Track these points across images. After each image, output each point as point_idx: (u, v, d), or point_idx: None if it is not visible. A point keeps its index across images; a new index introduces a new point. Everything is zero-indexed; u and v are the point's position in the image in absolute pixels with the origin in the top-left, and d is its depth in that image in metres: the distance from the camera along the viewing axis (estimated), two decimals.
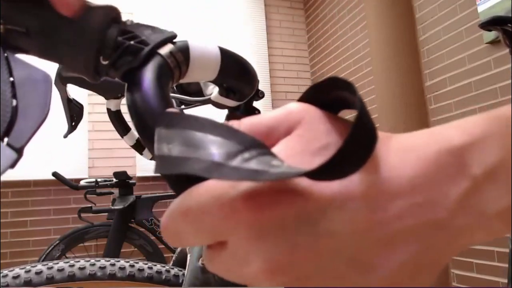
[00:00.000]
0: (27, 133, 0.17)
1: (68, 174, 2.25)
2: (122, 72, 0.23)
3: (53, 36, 0.22)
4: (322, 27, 3.38)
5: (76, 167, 2.75)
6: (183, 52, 0.25)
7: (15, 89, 0.18)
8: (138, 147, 0.73)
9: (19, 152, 0.17)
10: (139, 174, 2.86)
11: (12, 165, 0.16)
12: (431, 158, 0.17)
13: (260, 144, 0.17)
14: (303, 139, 0.18)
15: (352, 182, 0.16)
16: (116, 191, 2.18)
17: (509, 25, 0.94)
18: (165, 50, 0.24)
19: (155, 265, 0.73)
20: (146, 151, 0.72)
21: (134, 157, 2.86)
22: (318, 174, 0.15)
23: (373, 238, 0.16)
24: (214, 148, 0.17)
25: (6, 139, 0.17)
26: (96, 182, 2.13)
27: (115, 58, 0.23)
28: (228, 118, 0.72)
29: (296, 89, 3.47)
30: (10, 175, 2.41)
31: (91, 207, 2.11)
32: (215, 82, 0.31)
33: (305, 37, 3.62)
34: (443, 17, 2.20)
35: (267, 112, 0.20)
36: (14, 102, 0.17)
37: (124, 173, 2.18)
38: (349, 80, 0.18)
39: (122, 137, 0.73)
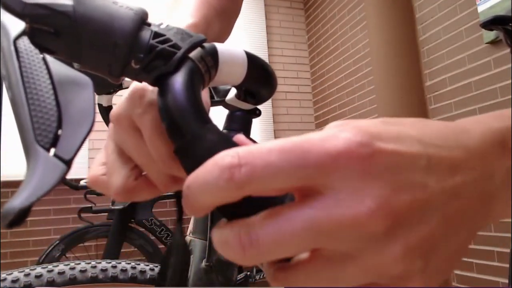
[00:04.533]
0: (75, 144, 0.16)
1: (68, 174, 2.23)
2: (154, 76, 0.22)
3: (83, 37, 0.21)
4: (322, 27, 3.37)
5: (76, 167, 2.72)
6: (213, 56, 0.25)
7: (58, 96, 0.16)
8: None
9: (68, 164, 0.15)
10: None
11: (62, 179, 0.15)
12: (480, 138, 0.20)
13: None
14: None
15: (431, 147, 0.19)
16: None
17: (510, 24, 0.94)
18: (196, 54, 0.23)
19: (157, 267, 0.73)
20: None
21: None
22: None
23: (455, 197, 0.18)
24: None
25: (53, 150, 0.15)
26: None
27: (147, 62, 0.22)
28: (229, 117, 0.72)
29: (296, 89, 3.47)
30: (10, 175, 2.40)
31: (91, 207, 2.10)
32: (236, 85, 0.30)
33: (305, 37, 3.62)
34: (443, 17, 2.20)
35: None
36: (58, 111, 0.16)
37: None
38: None
39: None
